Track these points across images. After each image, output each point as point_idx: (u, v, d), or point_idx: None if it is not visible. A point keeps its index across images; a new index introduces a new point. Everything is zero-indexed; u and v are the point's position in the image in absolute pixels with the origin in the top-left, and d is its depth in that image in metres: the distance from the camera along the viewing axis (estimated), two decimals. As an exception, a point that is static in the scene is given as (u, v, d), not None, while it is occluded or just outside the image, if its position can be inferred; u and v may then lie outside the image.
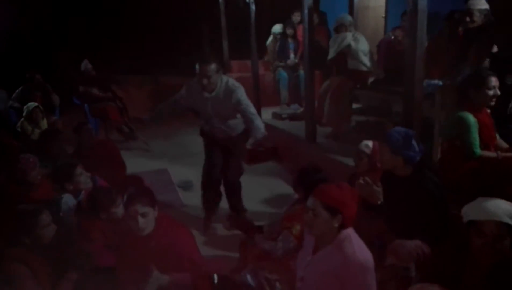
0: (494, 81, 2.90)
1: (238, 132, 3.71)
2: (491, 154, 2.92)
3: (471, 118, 2.86)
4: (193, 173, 4.77)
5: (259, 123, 3.53)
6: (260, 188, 4.67)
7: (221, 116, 3.58)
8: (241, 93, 3.47)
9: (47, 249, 2.39)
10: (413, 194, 2.31)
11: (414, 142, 2.31)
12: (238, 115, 3.59)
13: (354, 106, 5.25)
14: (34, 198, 3.09)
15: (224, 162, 3.81)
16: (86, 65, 6.74)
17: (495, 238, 1.77)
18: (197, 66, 3.37)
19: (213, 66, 3.33)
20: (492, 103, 2.97)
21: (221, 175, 3.83)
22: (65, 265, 2.41)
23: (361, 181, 2.32)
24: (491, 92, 2.89)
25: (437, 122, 3.52)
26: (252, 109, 3.53)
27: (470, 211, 1.85)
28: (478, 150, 2.88)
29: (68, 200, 2.93)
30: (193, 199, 4.46)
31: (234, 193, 3.97)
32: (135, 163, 5.53)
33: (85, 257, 2.49)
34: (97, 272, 2.53)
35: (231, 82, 3.48)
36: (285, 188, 4.52)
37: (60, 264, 2.42)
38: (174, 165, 5.64)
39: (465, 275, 1.84)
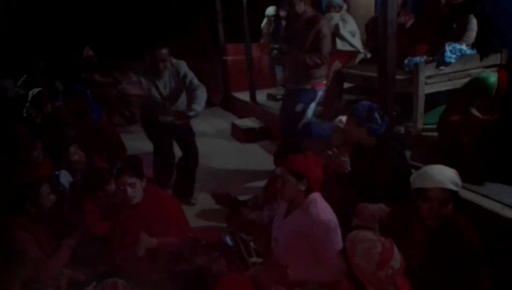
0: None
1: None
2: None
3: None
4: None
5: (201, 95, 3.51)
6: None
7: (172, 96, 3.66)
8: (185, 66, 3.64)
9: (48, 218, 2.65)
10: (377, 162, 2.50)
11: (376, 115, 2.49)
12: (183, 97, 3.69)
13: (346, 85, 5.39)
14: (36, 176, 3.35)
15: (182, 147, 3.99)
16: (87, 51, 6.97)
17: (440, 203, 1.93)
18: (150, 53, 3.49)
19: (166, 50, 3.49)
20: None
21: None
22: (64, 233, 2.65)
23: (329, 152, 2.52)
24: None
25: (416, 97, 3.67)
26: (197, 81, 3.62)
27: (417, 179, 2.00)
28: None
29: (64, 175, 3.19)
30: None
31: (192, 177, 4.11)
32: (136, 146, 5.76)
33: (81, 226, 2.74)
34: (93, 240, 2.79)
35: (174, 61, 3.63)
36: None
37: (59, 231, 2.67)
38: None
39: (413, 234, 2.03)
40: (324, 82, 4.00)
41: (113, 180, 2.96)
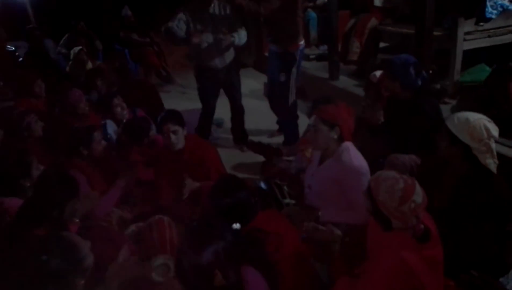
0: None
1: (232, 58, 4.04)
2: None
3: None
4: (224, 112, 5.16)
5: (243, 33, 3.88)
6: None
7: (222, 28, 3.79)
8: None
9: (99, 162, 2.89)
10: (411, 115, 2.55)
11: (412, 70, 2.51)
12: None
13: (382, 45, 5.31)
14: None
15: (231, 95, 4.29)
16: (126, 11, 7.11)
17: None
18: None
19: None
20: None
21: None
22: (113, 177, 2.89)
23: (363, 103, 2.59)
24: None
25: (454, 54, 3.62)
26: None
27: (448, 120, 2.05)
28: None
29: (110, 125, 3.42)
30: (223, 133, 4.93)
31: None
32: (172, 104, 5.94)
33: (129, 170, 2.96)
34: (139, 184, 3.02)
35: None
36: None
37: (108, 175, 2.91)
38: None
39: (443, 179, 2.11)
40: (301, 42, 4.06)
41: (154, 128, 3.17)
